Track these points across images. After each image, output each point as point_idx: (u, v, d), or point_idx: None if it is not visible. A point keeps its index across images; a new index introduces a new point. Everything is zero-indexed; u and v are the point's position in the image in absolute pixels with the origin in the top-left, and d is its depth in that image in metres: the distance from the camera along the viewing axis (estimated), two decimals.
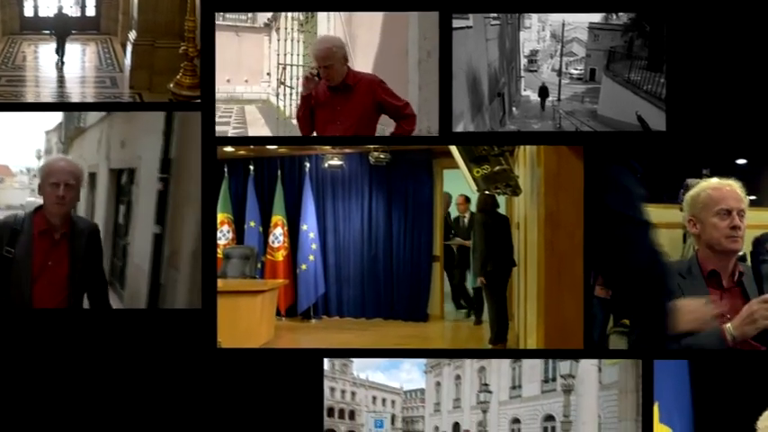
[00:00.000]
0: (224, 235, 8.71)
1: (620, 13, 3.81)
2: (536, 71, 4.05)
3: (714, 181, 3.18)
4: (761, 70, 3.70)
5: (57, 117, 4.13)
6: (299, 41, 5.07)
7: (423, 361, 3.97)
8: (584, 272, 3.70)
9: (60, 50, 4.63)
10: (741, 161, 3.83)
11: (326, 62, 4.01)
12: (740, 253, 3.18)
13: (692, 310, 3.01)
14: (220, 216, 8.62)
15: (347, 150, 8.84)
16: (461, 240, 8.70)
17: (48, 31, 4.81)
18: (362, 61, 4.15)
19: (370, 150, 8.54)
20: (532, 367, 3.87)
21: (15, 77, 4.40)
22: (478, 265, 7.22)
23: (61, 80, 4.41)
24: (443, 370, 3.99)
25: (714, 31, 3.70)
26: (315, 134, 4.11)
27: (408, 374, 3.95)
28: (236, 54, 4.75)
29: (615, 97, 3.89)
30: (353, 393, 3.94)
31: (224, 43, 3.88)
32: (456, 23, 3.74)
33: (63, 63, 4.54)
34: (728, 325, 2.96)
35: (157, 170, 3.86)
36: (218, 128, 3.88)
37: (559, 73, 4.01)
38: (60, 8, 4.85)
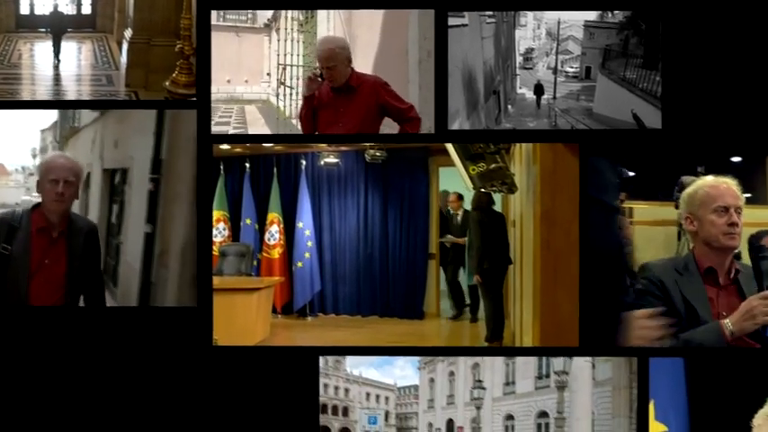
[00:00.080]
0: (220, 232, 8.71)
1: (616, 11, 3.82)
2: (531, 69, 4.05)
3: (711, 179, 3.20)
4: (756, 68, 3.71)
5: (52, 116, 4.12)
6: (298, 42, 5.07)
7: (416, 357, 3.97)
8: (579, 269, 3.71)
9: (56, 49, 4.62)
10: (736, 159, 3.84)
11: (329, 63, 4.00)
12: (736, 250, 3.19)
13: (641, 325, 3.10)
14: (216, 213, 8.61)
15: (343, 148, 8.83)
16: (453, 238, 8.69)
17: (43, 29, 4.80)
18: (362, 61, 4.14)
19: (366, 148, 8.54)
20: (526, 364, 3.88)
21: (11, 75, 4.40)
22: (474, 262, 7.22)
23: (57, 78, 4.40)
24: (437, 366, 4.00)
25: (710, 30, 3.71)
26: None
27: (402, 371, 3.95)
28: (236, 54, 4.74)
29: (611, 95, 3.89)
30: (347, 390, 3.94)
31: (224, 43, 3.88)
32: (452, 21, 3.75)
33: (59, 61, 4.53)
34: (727, 320, 2.97)
35: (149, 170, 3.86)
36: (218, 128, 3.89)
37: (555, 71, 4.01)
38: (56, 6, 4.84)
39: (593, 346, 3.68)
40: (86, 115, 4.12)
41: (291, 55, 5.24)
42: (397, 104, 3.95)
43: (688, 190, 3.19)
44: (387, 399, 4.00)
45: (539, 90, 3.99)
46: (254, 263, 8.57)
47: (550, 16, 3.93)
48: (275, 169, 8.98)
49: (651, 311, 3.09)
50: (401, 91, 3.97)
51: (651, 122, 3.72)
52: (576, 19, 3.91)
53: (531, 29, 3.98)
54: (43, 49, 4.72)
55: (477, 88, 3.99)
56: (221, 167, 8.79)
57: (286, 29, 5.23)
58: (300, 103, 4.12)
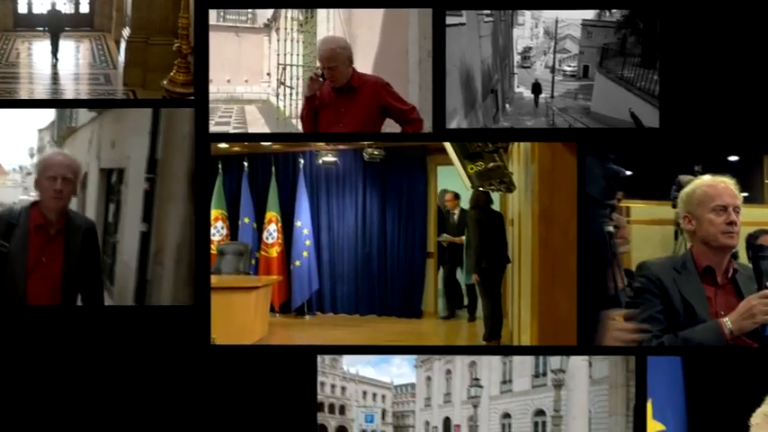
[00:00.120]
0: (218, 231, 8.72)
1: (614, 10, 3.82)
2: (529, 68, 4.05)
3: (708, 178, 3.19)
4: (754, 68, 3.71)
5: (50, 115, 4.12)
6: (298, 42, 5.07)
7: (413, 356, 3.98)
8: (577, 268, 3.71)
9: (54, 47, 4.62)
10: (733, 158, 3.84)
11: (330, 63, 3.99)
12: (734, 249, 3.20)
13: (616, 326, 3.12)
14: (214, 212, 8.62)
15: (341, 147, 8.83)
16: (450, 237, 8.70)
17: (41, 28, 4.80)
18: (362, 61, 4.14)
19: (365, 147, 8.54)
20: (523, 362, 3.88)
21: (9, 74, 4.39)
22: (473, 261, 7.23)
23: (55, 77, 4.40)
24: (434, 365, 4.00)
25: (707, 29, 3.71)
26: None
27: (399, 369, 3.96)
28: (236, 54, 4.75)
29: (608, 94, 3.89)
30: (344, 388, 3.94)
31: (224, 43, 3.88)
32: (449, 20, 3.75)
33: (57, 60, 4.53)
34: (726, 319, 2.97)
35: (144, 170, 3.86)
36: (218, 128, 3.89)
37: (553, 70, 4.01)
38: (54, 5, 4.84)
39: (591, 344, 3.69)
40: (83, 115, 4.12)
41: (291, 55, 5.24)
42: (399, 105, 3.94)
43: (686, 189, 3.20)
44: (384, 397, 4.00)
45: (536, 89, 3.99)
46: (253, 262, 8.58)
47: (548, 15, 3.93)
48: (273, 168, 8.99)
49: (627, 312, 3.11)
50: (401, 91, 3.97)
51: (649, 121, 3.73)
52: (573, 18, 3.91)
53: (528, 28, 3.99)
54: (41, 47, 4.72)
55: (475, 87, 3.99)
56: (219, 166, 8.79)
57: (286, 29, 5.23)
58: (301, 103, 4.12)
